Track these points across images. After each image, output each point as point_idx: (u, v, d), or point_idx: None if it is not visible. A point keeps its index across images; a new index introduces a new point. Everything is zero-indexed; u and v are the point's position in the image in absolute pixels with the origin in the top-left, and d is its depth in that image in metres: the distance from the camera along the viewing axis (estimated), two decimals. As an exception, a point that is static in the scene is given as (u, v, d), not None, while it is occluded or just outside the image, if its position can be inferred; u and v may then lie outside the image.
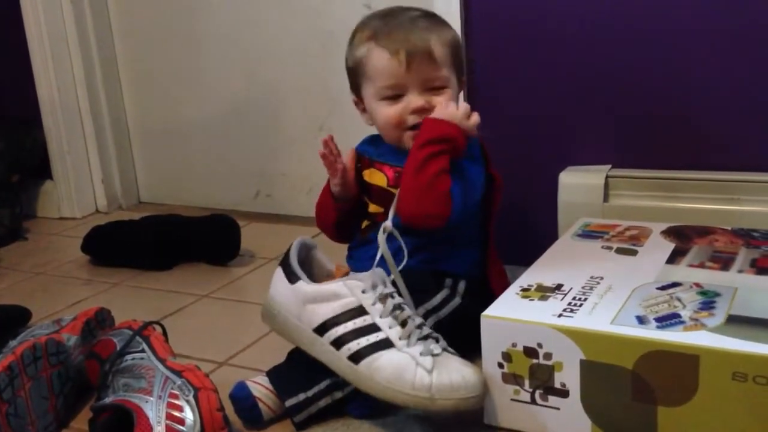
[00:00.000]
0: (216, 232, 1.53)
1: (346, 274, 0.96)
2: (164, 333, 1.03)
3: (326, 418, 0.93)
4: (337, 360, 0.88)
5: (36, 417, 0.92)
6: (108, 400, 0.89)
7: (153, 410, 0.84)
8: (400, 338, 0.86)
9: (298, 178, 1.77)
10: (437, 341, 0.88)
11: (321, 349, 0.90)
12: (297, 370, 0.95)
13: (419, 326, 0.89)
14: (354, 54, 1.08)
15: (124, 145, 1.98)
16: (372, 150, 1.12)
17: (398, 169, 1.06)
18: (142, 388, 0.87)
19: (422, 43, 1.03)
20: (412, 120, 1.05)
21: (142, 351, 0.96)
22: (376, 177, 1.10)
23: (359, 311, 0.88)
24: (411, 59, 1.02)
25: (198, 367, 0.92)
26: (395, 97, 1.05)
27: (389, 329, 0.87)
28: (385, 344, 0.86)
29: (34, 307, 1.28)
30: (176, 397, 0.85)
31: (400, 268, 0.97)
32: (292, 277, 0.94)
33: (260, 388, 0.94)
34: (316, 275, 0.99)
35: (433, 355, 0.85)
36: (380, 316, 0.88)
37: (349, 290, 0.89)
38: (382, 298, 0.89)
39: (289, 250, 0.97)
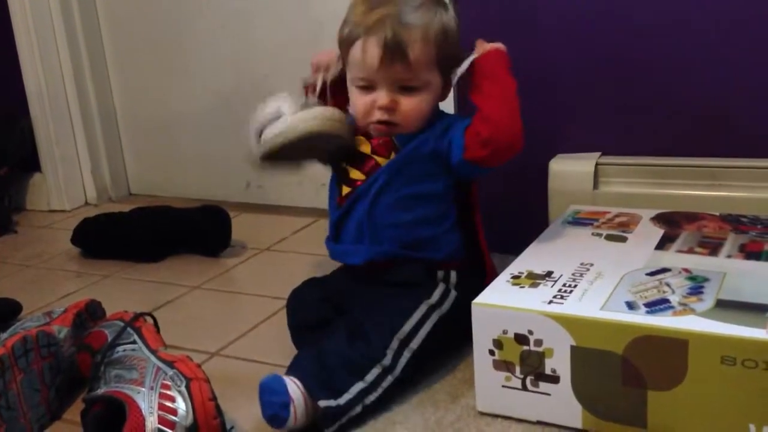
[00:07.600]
0: (207, 223, 1.53)
1: None
2: (155, 324, 1.03)
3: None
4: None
5: (28, 409, 0.92)
6: (100, 391, 0.89)
7: (145, 401, 0.84)
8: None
9: (289, 168, 1.76)
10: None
11: None
12: (326, 370, 0.90)
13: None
14: (342, 30, 1.05)
15: (113, 136, 1.97)
16: (351, 119, 1.09)
17: (380, 139, 1.05)
18: (134, 379, 0.87)
19: (399, 42, 0.98)
20: (378, 115, 1.03)
21: (134, 342, 0.96)
22: (361, 144, 1.08)
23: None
24: (384, 57, 0.98)
25: (190, 358, 0.92)
26: (368, 87, 1.03)
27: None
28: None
29: (24, 300, 1.28)
30: (168, 387, 0.85)
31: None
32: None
33: (296, 388, 0.87)
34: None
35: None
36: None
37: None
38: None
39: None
